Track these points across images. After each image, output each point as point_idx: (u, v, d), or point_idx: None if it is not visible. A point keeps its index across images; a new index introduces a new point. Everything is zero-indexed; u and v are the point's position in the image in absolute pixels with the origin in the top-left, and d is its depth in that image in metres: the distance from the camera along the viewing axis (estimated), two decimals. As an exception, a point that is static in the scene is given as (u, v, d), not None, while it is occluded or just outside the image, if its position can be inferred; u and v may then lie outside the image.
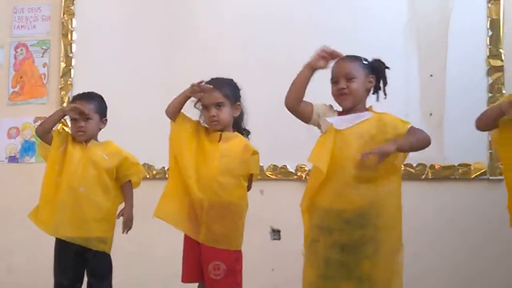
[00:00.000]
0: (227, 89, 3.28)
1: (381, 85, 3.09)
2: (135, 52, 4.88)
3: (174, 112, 3.26)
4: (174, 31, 4.83)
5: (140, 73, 4.82)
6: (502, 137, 2.89)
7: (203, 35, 4.76)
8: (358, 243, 2.89)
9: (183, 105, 3.26)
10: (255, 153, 3.30)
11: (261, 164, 4.36)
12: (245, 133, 3.43)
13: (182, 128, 3.27)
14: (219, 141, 3.24)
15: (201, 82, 3.18)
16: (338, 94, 2.99)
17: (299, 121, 3.07)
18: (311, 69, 2.94)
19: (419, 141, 2.90)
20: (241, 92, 3.37)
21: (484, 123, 2.93)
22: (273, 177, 4.53)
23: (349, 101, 2.98)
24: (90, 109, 3.51)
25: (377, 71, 3.07)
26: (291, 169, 4.47)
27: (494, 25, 4.21)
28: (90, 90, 3.65)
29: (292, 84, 2.97)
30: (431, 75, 4.30)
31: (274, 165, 4.53)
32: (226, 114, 3.26)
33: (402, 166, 4.10)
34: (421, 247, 4.17)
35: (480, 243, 4.04)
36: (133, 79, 4.82)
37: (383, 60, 3.03)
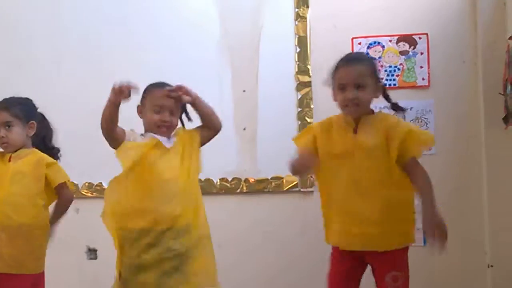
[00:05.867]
0: (17, 109, 3.19)
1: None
2: None
3: None
4: None
5: None
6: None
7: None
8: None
9: None
10: (50, 164, 3.19)
11: (76, 182, 4.27)
12: (55, 151, 3.35)
13: None
14: (9, 161, 3.15)
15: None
16: None
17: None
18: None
19: None
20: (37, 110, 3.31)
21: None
22: (89, 195, 4.44)
23: None
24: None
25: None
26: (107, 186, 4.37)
27: (302, 42, 4.35)
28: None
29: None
30: (244, 91, 4.39)
31: (89, 183, 4.44)
32: (16, 134, 3.18)
33: (218, 180, 4.22)
34: (239, 257, 4.27)
35: (294, 253, 4.19)
36: None
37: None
